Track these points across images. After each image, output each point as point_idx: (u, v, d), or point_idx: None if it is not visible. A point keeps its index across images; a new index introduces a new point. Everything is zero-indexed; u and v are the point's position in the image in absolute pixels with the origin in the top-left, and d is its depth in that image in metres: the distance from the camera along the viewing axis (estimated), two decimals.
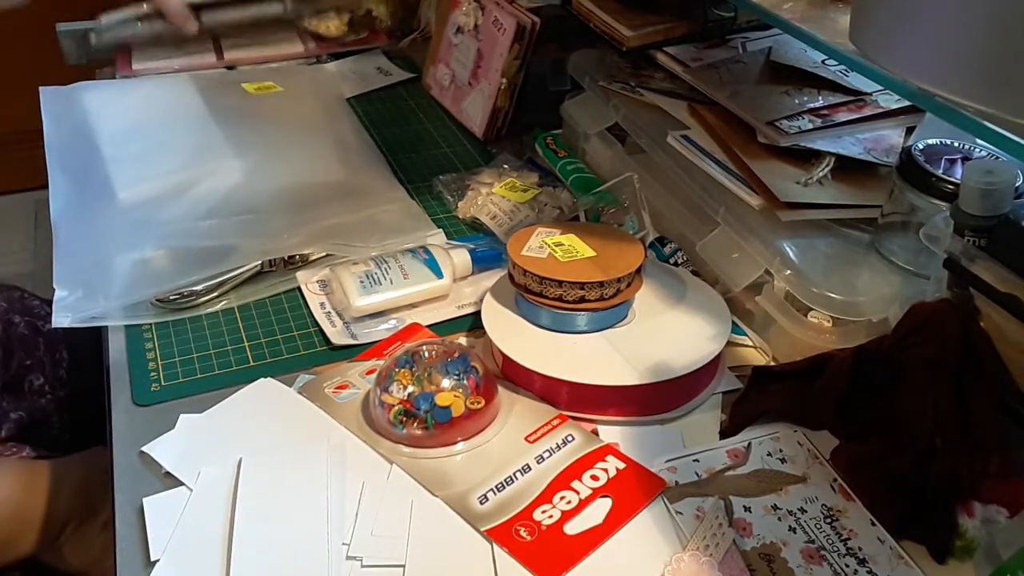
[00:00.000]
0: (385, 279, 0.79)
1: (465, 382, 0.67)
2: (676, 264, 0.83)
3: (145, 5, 1.18)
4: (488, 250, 0.86)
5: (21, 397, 0.98)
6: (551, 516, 0.61)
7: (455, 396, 0.66)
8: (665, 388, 0.68)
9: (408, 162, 1.06)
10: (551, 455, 0.65)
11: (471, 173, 1.00)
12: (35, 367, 1.00)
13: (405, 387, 0.66)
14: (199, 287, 0.81)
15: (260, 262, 0.83)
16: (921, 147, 0.71)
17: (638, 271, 0.73)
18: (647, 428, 0.69)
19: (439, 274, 0.80)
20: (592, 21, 0.97)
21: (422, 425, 0.65)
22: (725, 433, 0.68)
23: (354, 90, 1.22)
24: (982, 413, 0.58)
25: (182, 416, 0.68)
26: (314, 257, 0.86)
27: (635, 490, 0.63)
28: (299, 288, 0.83)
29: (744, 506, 0.62)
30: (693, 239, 0.82)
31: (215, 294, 0.81)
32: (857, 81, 0.83)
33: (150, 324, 0.78)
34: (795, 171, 0.78)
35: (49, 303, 0.79)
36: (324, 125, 1.09)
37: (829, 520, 0.61)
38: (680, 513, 0.61)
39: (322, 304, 0.81)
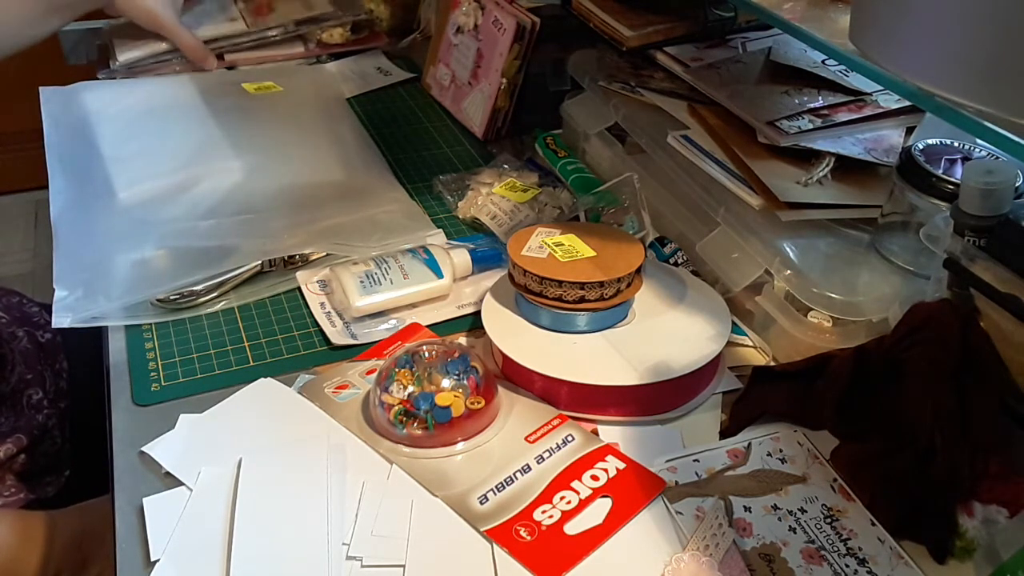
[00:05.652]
0: (385, 279, 0.79)
1: (465, 382, 0.67)
2: (676, 264, 0.83)
3: (163, 44, 1.18)
4: (488, 250, 0.86)
5: (19, 413, 0.97)
6: (551, 516, 0.61)
7: (455, 396, 0.66)
8: (665, 388, 0.68)
9: (408, 162, 1.05)
10: (551, 455, 0.65)
11: (471, 173, 1.00)
12: (35, 381, 0.99)
13: (405, 387, 0.66)
14: (199, 287, 0.81)
15: (260, 262, 0.83)
16: (921, 147, 0.71)
17: (638, 271, 0.73)
18: (647, 428, 0.69)
19: (439, 274, 0.80)
20: (592, 21, 0.97)
21: (422, 425, 0.65)
22: (725, 433, 0.68)
23: (354, 90, 1.22)
24: (982, 413, 0.58)
25: (182, 416, 0.68)
26: (314, 257, 0.86)
27: (635, 490, 0.63)
28: (299, 288, 0.83)
29: (744, 506, 0.62)
30: (693, 239, 0.82)
31: (215, 294, 0.81)
32: (857, 81, 0.83)
33: (150, 324, 0.78)
34: (795, 171, 0.78)
35: (48, 309, 0.78)
36: (324, 125, 1.09)
37: (829, 520, 0.61)
38: (680, 513, 0.61)
39: (322, 304, 0.81)
